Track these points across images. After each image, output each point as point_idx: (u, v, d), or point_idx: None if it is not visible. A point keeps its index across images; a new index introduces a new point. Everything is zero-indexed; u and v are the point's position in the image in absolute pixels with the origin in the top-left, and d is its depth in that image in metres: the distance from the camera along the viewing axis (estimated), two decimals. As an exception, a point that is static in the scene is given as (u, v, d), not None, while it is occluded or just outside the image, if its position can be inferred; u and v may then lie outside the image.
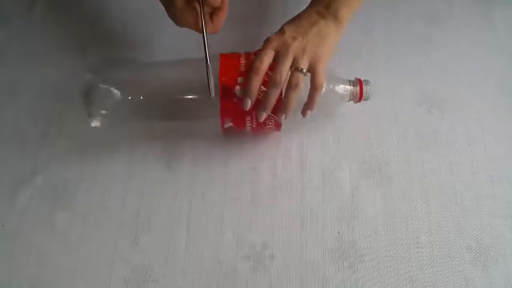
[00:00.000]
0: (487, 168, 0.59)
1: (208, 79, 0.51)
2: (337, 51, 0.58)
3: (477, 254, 0.54)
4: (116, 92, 0.55)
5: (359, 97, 0.57)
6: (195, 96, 0.55)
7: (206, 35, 0.51)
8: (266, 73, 0.52)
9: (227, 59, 0.54)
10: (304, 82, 0.52)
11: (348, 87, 0.57)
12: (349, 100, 0.58)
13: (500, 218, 0.56)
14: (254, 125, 0.55)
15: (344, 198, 0.57)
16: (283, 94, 0.52)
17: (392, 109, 0.62)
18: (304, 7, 0.57)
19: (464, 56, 0.66)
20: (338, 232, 0.55)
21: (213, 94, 0.51)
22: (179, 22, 0.52)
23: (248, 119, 0.54)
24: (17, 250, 0.55)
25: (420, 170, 0.59)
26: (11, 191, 0.58)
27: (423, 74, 0.65)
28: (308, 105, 0.53)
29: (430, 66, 0.66)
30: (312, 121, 0.61)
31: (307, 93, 0.53)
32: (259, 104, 0.52)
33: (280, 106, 0.52)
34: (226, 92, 0.52)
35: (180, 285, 0.53)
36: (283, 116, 0.53)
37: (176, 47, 0.65)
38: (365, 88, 0.57)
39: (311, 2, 0.57)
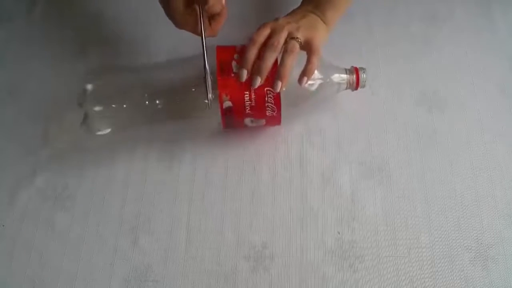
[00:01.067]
0: (487, 168, 0.59)
1: (205, 80, 0.51)
2: (337, 51, 0.58)
3: (477, 254, 0.54)
4: (116, 94, 0.55)
5: (356, 85, 0.58)
6: (195, 96, 0.55)
7: (205, 39, 0.51)
8: (262, 47, 0.53)
9: (223, 47, 0.55)
10: (299, 53, 0.52)
11: (345, 76, 0.58)
12: (347, 88, 0.59)
13: (500, 218, 0.56)
14: (253, 103, 0.54)
15: (344, 198, 0.57)
16: (279, 62, 0.52)
17: (392, 109, 0.62)
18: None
19: (464, 56, 0.66)
20: (338, 232, 0.55)
21: (211, 95, 0.51)
22: (178, 24, 0.52)
23: (247, 94, 0.53)
24: (17, 250, 0.55)
25: (420, 170, 0.59)
26: (11, 191, 0.58)
27: (423, 74, 0.65)
28: (306, 70, 0.52)
29: (430, 66, 0.65)
30: (312, 113, 0.61)
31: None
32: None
33: (277, 73, 0.52)
34: (223, 67, 0.53)
35: (180, 285, 0.53)
36: (279, 84, 0.51)
37: (175, 48, 0.65)
38: (361, 76, 0.58)
39: (301, 4, 0.60)
